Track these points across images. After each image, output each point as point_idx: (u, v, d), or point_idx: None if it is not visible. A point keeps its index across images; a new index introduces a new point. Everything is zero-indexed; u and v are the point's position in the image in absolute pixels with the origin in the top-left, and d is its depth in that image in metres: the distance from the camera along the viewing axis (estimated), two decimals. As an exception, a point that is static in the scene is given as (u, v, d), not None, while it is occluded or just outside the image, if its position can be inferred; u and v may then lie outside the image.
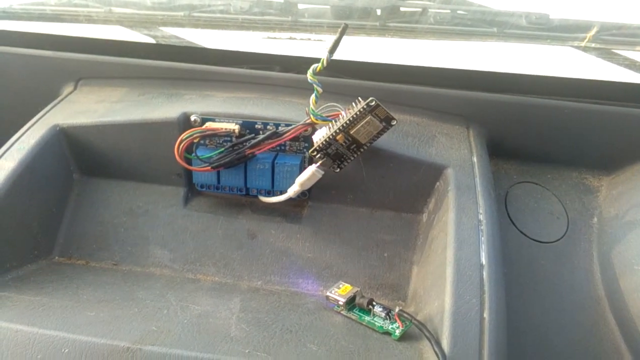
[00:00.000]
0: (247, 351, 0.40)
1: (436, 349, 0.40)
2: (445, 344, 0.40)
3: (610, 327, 0.51)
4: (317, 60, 0.50)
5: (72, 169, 0.60)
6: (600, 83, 0.61)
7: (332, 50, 0.49)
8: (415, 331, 0.45)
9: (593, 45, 0.62)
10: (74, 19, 0.70)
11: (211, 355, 0.39)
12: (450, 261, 0.45)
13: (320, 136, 0.52)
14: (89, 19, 0.70)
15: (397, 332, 0.45)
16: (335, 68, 0.61)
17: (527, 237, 0.57)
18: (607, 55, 0.62)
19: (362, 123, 0.50)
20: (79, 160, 0.60)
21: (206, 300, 0.48)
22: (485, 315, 0.42)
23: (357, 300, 0.49)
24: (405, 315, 0.46)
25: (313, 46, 0.66)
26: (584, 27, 0.62)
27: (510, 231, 0.58)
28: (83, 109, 0.61)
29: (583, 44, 0.62)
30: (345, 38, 0.49)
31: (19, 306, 0.44)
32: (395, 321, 0.46)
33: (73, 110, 0.61)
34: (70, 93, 0.66)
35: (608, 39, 0.63)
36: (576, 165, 0.64)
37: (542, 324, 0.52)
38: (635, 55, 0.63)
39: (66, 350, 0.40)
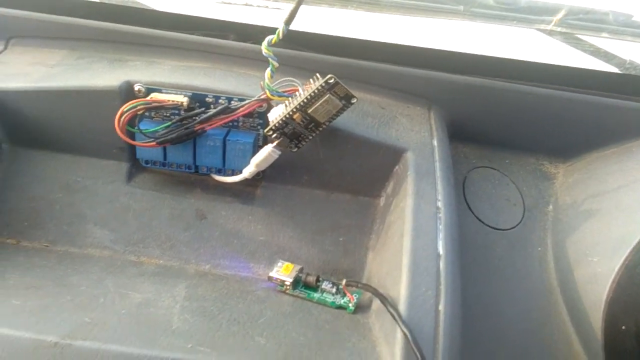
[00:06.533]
0: (189, 346, 0.37)
1: (391, 311, 0.40)
2: (400, 335, 0.39)
3: (562, 317, 0.51)
4: (274, 29, 0.46)
5: (0, 138, 0.54)
6: (563, 69, 0.60)
7: (289, 21, 0.45)
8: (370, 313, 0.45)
9: (559, 29, 0.60)
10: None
11: (149, 351, 0.36)
12: (407, 250, 0.44)
13: (276, 114, 0.49)
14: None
15: (351, 305, 0.46)
16: (294, 40, 0.57)
17: (483, 224, 0.57)
18: (572, 40, 0.61)
19: (320, 101, 0.47)
20: (9, 129, 0.54)
21: (148, 287, 0.45)
22: (441, 307, 0.40)
23: (304, 278, 0.49)
24: (353, 282, 0.47)
25: (271, 14, 0.61)
26: (551, 10, 0.61)
27: (467, 217, 0.57)
28: (14, 71, 0.55)
29: (549, 27, 0.60)
30: (305, 7, 0.46)
31: None
32: (345, 294, 0.47)
33: (2, 73, 0.55)
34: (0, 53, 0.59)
35: (574, 24, 0.61)
36: (534, 151, 0.63)
37: (496, 312, 0.52)
38: (599, 42, 0.62)
39: None
